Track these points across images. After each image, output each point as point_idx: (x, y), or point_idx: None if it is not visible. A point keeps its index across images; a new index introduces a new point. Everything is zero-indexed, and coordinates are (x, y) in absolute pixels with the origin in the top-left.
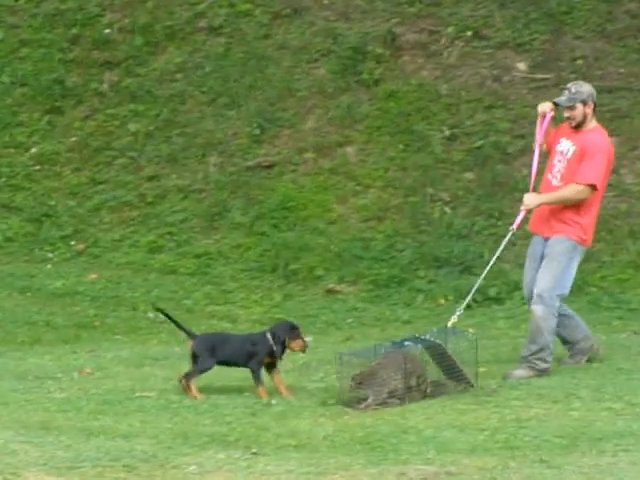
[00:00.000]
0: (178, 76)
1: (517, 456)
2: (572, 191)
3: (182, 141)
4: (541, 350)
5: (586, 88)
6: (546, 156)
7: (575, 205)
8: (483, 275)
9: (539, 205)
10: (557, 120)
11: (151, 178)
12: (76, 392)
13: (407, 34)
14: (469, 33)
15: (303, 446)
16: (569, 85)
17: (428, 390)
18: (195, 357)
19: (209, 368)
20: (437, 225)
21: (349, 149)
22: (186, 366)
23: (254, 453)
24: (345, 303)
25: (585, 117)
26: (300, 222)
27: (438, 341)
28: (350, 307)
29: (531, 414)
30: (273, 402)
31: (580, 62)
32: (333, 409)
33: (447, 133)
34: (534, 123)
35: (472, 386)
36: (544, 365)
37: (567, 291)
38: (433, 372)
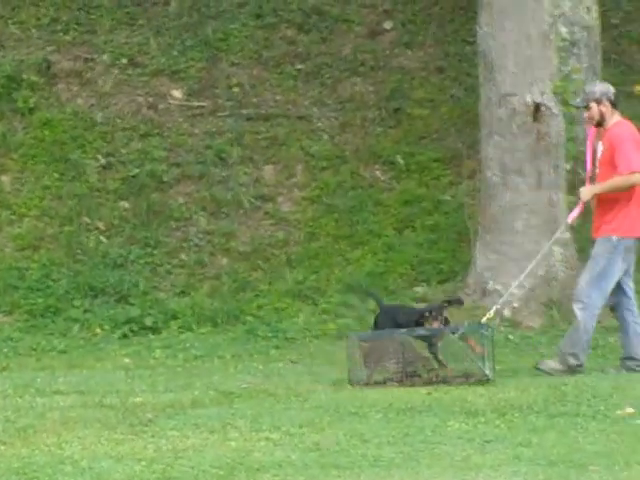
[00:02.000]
0: None
1: None
2: (620, 180)
3: None
4: (573, 347)
5: (599, 87)
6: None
7: (612, 200)
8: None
9: (594, 195)
10: None
11: None
12: None
13: (62, 62)
14: (124, 61)
15: None
16: (585, 86)
17: (434, 378)
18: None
19: None
20: (93, 254)
21: (4, 178)
22: None
23: None
24: (1, 333)
25: (602, 115)
26: None
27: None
28: (5, 337)
29: (188, 444)
30: None
31: (236, 89)
32: None
33: (102, 161)
34: (191, 151)
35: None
36: (574, 362)
37: (608, 289)
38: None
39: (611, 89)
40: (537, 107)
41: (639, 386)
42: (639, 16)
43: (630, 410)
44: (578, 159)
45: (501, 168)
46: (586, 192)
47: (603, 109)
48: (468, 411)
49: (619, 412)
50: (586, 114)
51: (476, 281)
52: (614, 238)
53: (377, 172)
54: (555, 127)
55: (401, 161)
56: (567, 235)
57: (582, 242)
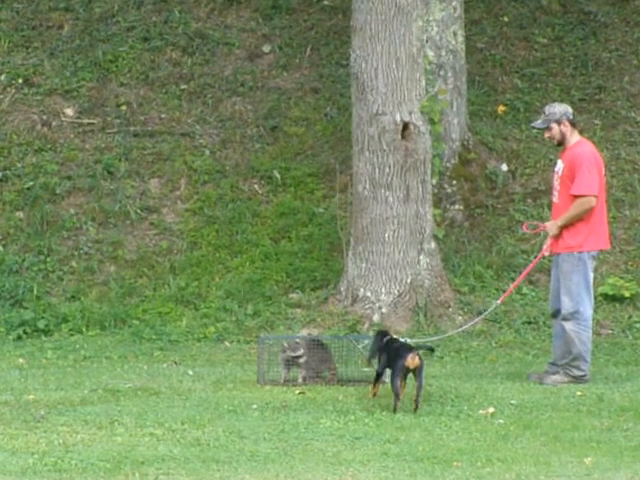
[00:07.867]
0: None
1: (65, 479)
2: (576, 206)
3: None
4: (575, 359)
5: (558, 108)
6: None
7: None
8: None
9: (560, 228)
10: None
11: None
12: None
13: None
14: (20, 81)
15: None
16: (544, 108)
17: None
18: None
19: None
20: None
21: None
22: None
23: None
24: None
25: (563, 135)
26: None
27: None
28: None
29: (77, 439)
30: None
31: (124, 108)
32: None
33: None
34: (81, 165)
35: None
36: (578, 372)
37: (591, 296)
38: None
39: (569, 109)
40: (405, 126)
41: (500, 387)
42: (502, 40)
43: (491, 410)
44: (443, 174)
45: (371, 182)
46: (552, 228)
47: (564, 129)
48: (339, 410)
49: (481, 412)
50: (547, 134)
51: (347, 288)
52: (575, 252)
53: (255, 186)
54: (422, 144)
55: (278, 176)
56: (433, 245)
57: (447, 252)
